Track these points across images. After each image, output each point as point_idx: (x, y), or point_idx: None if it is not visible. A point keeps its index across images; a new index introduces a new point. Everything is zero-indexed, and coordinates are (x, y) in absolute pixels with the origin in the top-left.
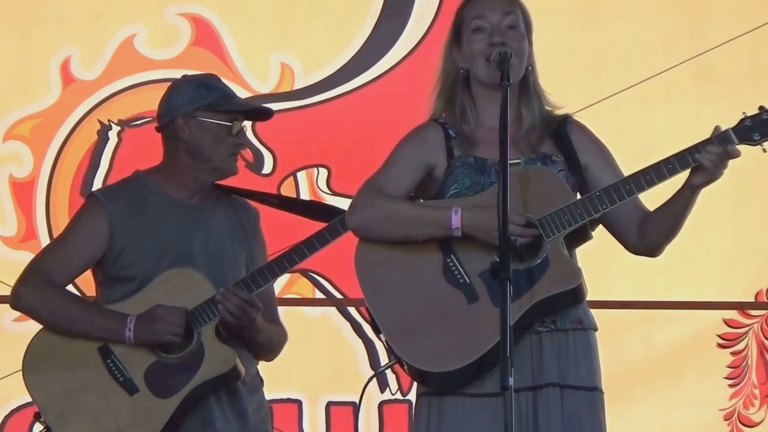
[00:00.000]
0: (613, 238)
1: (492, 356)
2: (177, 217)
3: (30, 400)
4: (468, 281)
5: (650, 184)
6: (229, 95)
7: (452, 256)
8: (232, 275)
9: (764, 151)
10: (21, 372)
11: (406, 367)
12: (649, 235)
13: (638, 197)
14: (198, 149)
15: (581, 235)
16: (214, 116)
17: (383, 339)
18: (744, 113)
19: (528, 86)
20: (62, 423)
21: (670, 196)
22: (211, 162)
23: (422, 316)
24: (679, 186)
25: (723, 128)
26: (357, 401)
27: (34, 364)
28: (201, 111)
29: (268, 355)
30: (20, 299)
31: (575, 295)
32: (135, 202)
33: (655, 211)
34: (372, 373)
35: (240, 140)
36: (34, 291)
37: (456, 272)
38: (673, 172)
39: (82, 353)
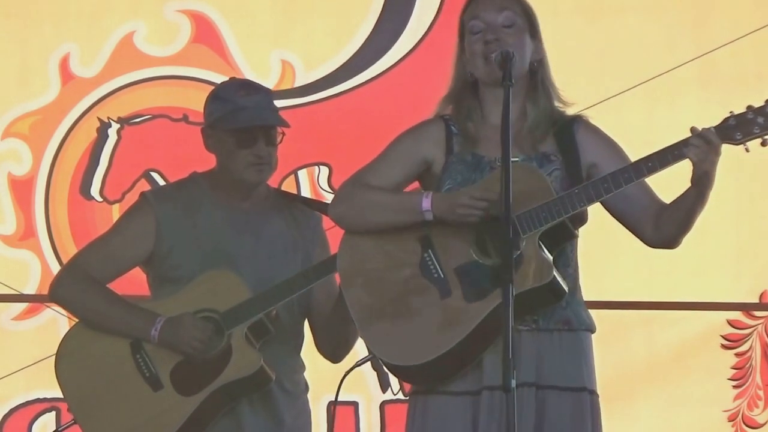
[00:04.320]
0: (616, 239)
1: (465, 353)
2: (227, 220)
3: (30, 399)
4: (443, 276)
5: (628, 181)
6: (241, 107)
7: (430, 251)
8: (281, 280)
9: (747, 150)
10: (54, 360)
11: (379, 361)
12: (664, 229)
13: (652, 190)
14: (219, 161)
15: (563, 233)
16: (223, 131)
17: (359, 332)
18: (731, 112)
19: (536, 82)
20: (85, 414)
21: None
22: (232, 173)
23: (395, 311)
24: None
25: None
26: (358, 401)
27: (66, 355)
28: (214, 125)
29: (350, 338)
30: (55, 292)
31: (550, 291)
32: (186, 203)
33: (670, 204)
34: (372, 372)
35: (256, 151)
36: (69, 285)
37: (432, 267)
38: (652, 170)
39: (114, 347)
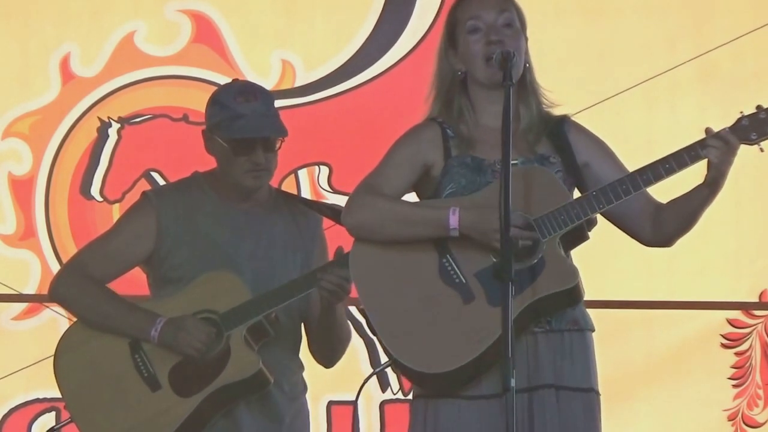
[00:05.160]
0: (616, 239)
1: (488, 357)
2: (227, 220)
3: (30, 399)
4: (464, 281)
5: (647, 183)
6: (239, 115)
7: (448, 256)
8: (281, 280)
9: (761, 150)
10: (52, 358)
11: (401, 368)
12: (664, 229)
13: (647, 190)
14: (218, 164)
15: (578, 236)
16: (221, 137)
17: (378, 340)
18: (741, 112)
19: (525, 84)
20: (82, 414)
21: (675, 187)
22: (230, 178)
23: (417, 317)
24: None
25: (721, 128)
26: (357, 401)
27: (65, 353)
28: (212, 129)
29: (337, 348)
30: (56, 291)
31: (572, 295)
32: (187, 203)
33: (670, 204)
34: (372, 371)
35: (254, 158)
36: (69, 284)
37: (452, 272)
38: (670, 171)
39: (113, 346)
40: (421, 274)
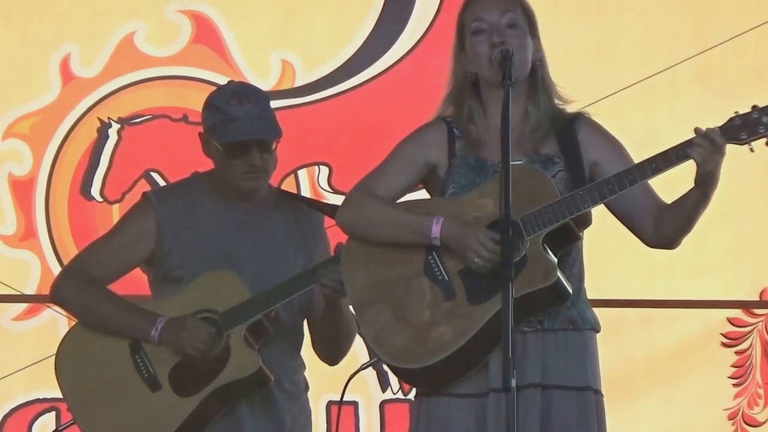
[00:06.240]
0: (616, 238)
1: (471, 353)
2: (227, 220)
3: (30, 399)
4: (447, 278)
5: (632, 182)
6: (232, 118)
7: (434, 253)
8: (283, 279)
9: (751, 150)
10: (54, 359)
11: (385, 364)
12: (665, 229)
13: (653, 190)
14: (216, 167)
15: (567, 235)
16: (216, 140)
17: (362, 335)
18: (736, 112)
19: (536, 82)
20: (84, 414)
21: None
22: (227, 180)
23: (400, 312)
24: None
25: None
26: (358, 400)
27: (66, 354)
28: (208, 132)
29: (343, 344)
30: (56, 292)
31: (554, 292)
32: (187, 203)
33: (670, 204)
34: (372, 371)
35: (249, 160)
36: (70, 285)
37: (436, 269)
38: (656, 171)
39: (114, 347)
40: (407, 270)
